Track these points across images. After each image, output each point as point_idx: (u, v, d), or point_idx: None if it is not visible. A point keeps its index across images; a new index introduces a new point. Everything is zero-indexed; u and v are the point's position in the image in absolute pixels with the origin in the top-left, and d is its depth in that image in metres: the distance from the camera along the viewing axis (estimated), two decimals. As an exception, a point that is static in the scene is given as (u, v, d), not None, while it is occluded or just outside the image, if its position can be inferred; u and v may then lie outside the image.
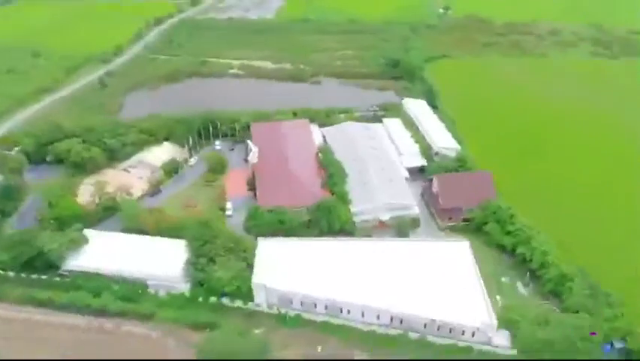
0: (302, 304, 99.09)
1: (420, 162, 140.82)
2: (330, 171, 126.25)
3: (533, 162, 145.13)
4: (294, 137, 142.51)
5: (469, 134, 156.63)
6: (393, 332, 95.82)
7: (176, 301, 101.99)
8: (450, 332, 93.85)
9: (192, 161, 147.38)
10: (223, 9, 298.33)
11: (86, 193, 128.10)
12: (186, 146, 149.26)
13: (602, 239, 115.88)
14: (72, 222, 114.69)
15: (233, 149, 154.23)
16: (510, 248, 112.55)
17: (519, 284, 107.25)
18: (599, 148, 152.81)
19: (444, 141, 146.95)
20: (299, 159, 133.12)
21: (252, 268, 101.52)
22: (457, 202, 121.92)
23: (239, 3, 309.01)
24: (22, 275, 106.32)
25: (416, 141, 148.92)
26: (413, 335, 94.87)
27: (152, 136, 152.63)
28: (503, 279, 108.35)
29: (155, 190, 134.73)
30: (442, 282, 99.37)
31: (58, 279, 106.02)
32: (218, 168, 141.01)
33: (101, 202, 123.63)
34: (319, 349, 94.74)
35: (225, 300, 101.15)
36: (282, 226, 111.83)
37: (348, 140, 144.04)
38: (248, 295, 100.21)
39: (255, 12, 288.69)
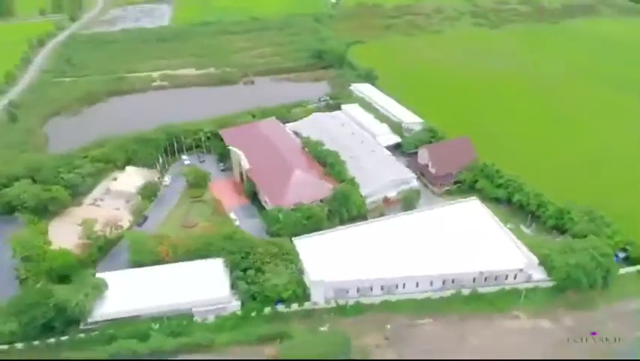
0: (358, 290, 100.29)
1: (395, 139, 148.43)
2: (330, 161, 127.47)
3: (475, 117, 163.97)
4: (274, 136, 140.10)
5: (415, 106, 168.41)
6: (447, 293, 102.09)
7: (229, 322, 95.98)
8: (495, 279, 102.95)
9: (167, 180, 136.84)
10: (109, 21, 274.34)
11: (65, 237, 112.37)
12: (157, 166, 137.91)
13: (558, 168, 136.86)
14: (68, 271, 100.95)
15: (203, 160, 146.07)
16: (505, 198, 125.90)
17: (522, 227, 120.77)
18: (514, 97, 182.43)
19: (408, 117, 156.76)
20: (292, 156, 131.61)
21: (300, 269, 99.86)
22: (447, 168, 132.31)
23: (124, 14, 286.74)
24: (35, 343, 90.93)
25: (381, 121, 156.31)
26: (465, 292, 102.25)
27: (109, 163, 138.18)
28: (508, 226, 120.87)
29: (141, 218, 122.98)
30: (474, 237, 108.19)
31: (83, 335, 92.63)
32: (200, 182, 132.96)
33: (94, 242, 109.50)
34: (388, 327, 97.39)
35: (281, 306, 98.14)
36: (308, 223, 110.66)
37: (323, 130, 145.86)
38: (303, 296, 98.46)
39: (148, 21, 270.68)
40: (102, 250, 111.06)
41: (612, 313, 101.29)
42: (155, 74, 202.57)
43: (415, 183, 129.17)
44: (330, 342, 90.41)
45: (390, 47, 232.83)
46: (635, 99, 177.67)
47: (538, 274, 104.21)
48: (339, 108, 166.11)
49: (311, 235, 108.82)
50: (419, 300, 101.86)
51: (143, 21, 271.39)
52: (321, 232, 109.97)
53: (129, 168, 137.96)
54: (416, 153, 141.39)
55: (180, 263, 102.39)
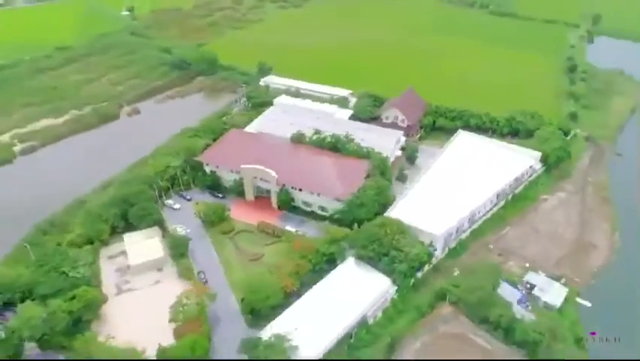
0: (457, 230, 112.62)
1: (347, 112, 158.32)
2: (340, 145, 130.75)
3: (372, 78, 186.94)
4: (258, 142, 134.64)
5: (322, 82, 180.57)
6: (500, 205, 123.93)
7: (393, 310, 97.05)
8: (516, 181, 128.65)
9: (180, 230, 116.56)
10: None
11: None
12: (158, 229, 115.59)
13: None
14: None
15: (190, 198, 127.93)
16: (462, 125, 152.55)
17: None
18: (384, 55, 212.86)
19: (337, 91, 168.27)
20: (304, 151, 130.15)
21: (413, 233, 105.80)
22: (414, 118, 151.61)
23: None
24: None
25: (314, 101, 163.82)
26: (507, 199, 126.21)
27: (94, 242, 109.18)
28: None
29: (201, 276, 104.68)
30: (489, 157, 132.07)
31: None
32: (219, 214, 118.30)
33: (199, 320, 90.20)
34: (491, 247, 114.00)
35: (419, 273, 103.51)
36: (380, 197, 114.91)
37: (291, 123, 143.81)
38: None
39: None
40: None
41: (579, 172, 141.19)
42: (5, 138, 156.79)
43: (404, 139, 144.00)
44: (489, 272, 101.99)
45: (236, 42, 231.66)
46: (466, 41, 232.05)
47: (539, 165, 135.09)
48: (261, 107, 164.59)
49: (395, 203, 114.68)
50: (488, 219, 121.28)
51: None
52: (398, 198, 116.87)
53: (129, 236, 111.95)
54: (373, 119, 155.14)
55: (326, 280, 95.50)
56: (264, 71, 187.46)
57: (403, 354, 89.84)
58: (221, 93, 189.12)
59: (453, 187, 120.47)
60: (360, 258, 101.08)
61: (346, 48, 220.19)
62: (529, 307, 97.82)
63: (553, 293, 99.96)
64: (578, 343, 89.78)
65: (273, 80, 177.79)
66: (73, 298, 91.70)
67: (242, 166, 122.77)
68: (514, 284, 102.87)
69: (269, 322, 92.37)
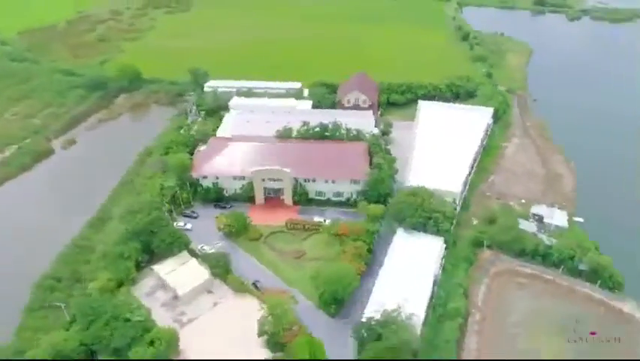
0: (464, 186, 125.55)
1: (308, 103, 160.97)
2: (330, 134, 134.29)
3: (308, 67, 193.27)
4: (250, 144, 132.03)
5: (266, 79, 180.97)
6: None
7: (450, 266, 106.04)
8: (485, 135, 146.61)
9: (207, 248, 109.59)
10: None
11: None
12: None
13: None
14: None
15: (197, 216, 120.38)
16: (413, 97, 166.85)
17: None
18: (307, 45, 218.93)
19: (288, 85, 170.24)
20: (304, 144, 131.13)
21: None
22: (373, 97, 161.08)
23: None
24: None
25: (269, 98, 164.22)
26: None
27: (120, 285, 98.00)
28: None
29: (256, 284, 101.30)
30: (455, 119, 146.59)
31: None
32: (242, 222, 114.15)
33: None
34: (488, 194, 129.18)
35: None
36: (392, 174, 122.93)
37: (256, 126, 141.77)
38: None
39: None
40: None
41: (517, 120, 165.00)
42: None
43: (373, 117, 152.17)
44: (504, 214, 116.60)
45: (141, 53, 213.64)
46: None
47: (490, 119, 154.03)
48: (215, 112, 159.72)
49: (407, 173, 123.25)
50: (475, 171, 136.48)
51: None
52: (404, 168, 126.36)
53: (160, 268, 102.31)
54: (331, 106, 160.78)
55: (390, 254, 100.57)
56: (199, 76, 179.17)
57: (477, 299, 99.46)
58: (158, 107, 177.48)
59: (443, 150, 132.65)
60: (408, 226, 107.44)
61: (263, 44, 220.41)
62: (545, 233, 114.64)
63: (558, 218, 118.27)
64: (597, 250, 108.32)
65: (218, 84, 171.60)
66: (151, 342, 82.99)
67: (253, 170, 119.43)
68: (525, 218, 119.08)
69: (348, 309, 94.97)
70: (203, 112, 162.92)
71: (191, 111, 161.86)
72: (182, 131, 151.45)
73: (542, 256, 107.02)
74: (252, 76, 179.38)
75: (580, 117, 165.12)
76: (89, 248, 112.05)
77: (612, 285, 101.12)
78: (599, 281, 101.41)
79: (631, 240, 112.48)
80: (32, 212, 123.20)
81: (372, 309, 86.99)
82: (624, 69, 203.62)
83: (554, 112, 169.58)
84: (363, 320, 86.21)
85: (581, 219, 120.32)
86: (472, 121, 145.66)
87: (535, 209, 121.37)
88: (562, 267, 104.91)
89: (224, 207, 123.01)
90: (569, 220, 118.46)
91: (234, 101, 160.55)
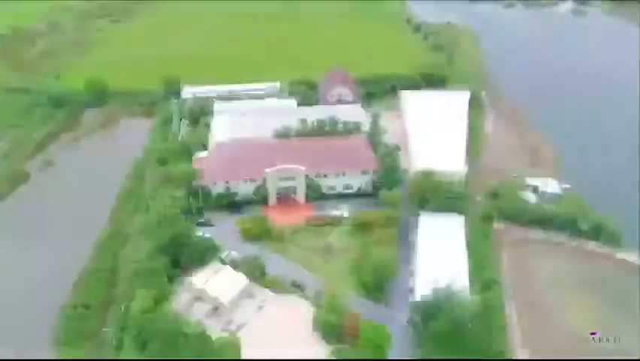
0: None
1: (293, 102, 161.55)
2: (328, 129, 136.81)
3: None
4: (254, 146, 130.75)
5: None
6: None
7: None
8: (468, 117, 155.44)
9: (235, 254, 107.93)
10: None
11: None
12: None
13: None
14: None
15: (213, 224, 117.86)
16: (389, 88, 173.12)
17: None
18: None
19: (267, 86, 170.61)
20: (309, 142, 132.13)
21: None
22: (354, 91, 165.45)
23: None
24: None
25: (252, 99, 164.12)
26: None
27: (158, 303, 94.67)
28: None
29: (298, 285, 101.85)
30: (440, 104, 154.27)
31: None
32: (263, 225, 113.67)
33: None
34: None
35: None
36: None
37: (250, 128, 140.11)
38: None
39: None
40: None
41: (489, 100, 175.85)
42: None
43: (362, 110, 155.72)
44: (506, 188, 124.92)
45: (97, 65, 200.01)
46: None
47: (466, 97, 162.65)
48: (200, 118, 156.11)
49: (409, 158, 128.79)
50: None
51: None
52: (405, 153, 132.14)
53: (197, 279, 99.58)
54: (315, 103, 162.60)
55: (421, 237, 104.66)
56: (173, 84, 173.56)
57: (503, 267, 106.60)
58: (131, 119, 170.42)
59: (436, 135, 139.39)
60: (430, 209, 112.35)
61: (219, 48, 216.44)
62: (543, 202, 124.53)
63: (552, 186, 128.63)
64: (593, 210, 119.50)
65: (197, 91, 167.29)
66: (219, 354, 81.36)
67: (266, 171, 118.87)
68: (522, 190, 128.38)
69: (389, 294, 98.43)
70: (184, 119, 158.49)
71: (174, 119, 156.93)
72: (169, 140, 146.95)
73: (547, 222, 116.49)
74: (221, 80, 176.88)
75: (541, 88, 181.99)
76: (108, 271, 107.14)
77: (612, 240, 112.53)
78: (600, 238, 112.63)
79: (616, 197, 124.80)
80: (32, 242, 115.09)
81: (424, 288, 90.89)
82: (560, 43, 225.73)
83: (520, 90, 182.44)
84: (418, 299, 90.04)
85: (568, 185, 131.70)
86: (456, 105, 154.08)
87: (530, 180, 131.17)
88: (567, 230, 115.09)
89: (237, 212, 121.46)
90: (561, 187, 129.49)
91: (217, 106, 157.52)
